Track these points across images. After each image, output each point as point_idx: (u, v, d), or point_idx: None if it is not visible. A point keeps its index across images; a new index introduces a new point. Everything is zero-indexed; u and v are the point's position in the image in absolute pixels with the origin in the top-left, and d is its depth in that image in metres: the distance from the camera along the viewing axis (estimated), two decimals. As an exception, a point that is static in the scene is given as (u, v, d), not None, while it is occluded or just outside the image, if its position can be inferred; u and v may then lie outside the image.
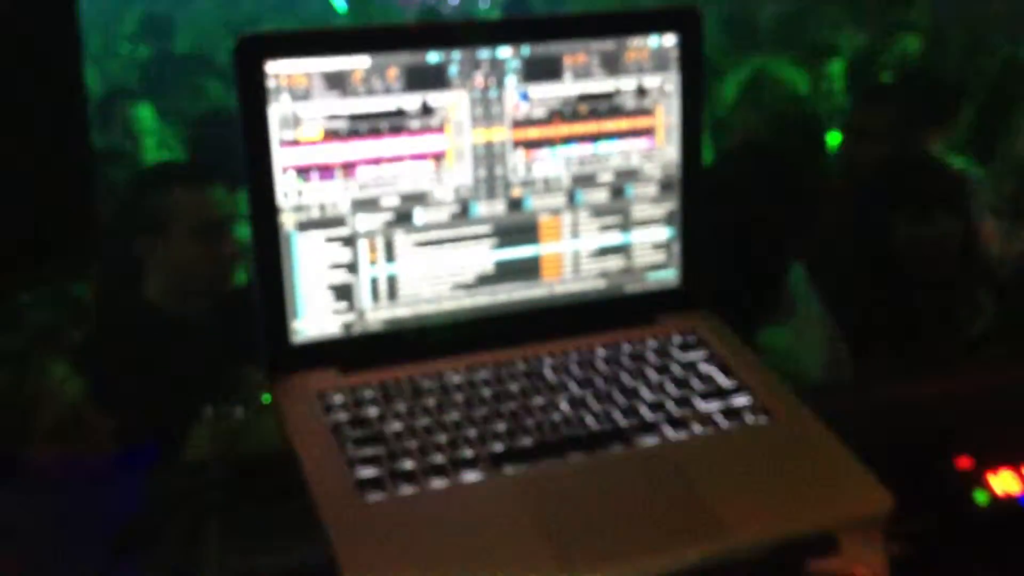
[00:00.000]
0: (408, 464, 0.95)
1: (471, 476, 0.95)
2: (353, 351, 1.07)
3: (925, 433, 1.37)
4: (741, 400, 1.05)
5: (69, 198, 0.90)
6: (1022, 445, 1.36)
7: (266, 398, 1.03)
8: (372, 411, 1.01)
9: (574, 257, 1.13)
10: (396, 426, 1.00)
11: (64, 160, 0.90)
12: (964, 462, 1.36)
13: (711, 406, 1.04)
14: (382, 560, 0.86)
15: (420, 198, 1.07)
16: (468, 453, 0.97)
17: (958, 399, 1.45)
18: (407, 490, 0.93)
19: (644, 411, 1.03)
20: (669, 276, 1.17)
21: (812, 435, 1.01)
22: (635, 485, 0.95)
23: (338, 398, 1.02)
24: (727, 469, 0.97)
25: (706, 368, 1.09)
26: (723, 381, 1.07)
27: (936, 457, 1.35)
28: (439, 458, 0.96)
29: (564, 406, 1.03)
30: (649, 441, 1.00)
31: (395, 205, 1.06)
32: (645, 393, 1.05)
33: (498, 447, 0.98)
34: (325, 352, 1.06)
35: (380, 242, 1.07)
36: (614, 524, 0.90)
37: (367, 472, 0.94)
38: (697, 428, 1.01)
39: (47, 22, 0.87)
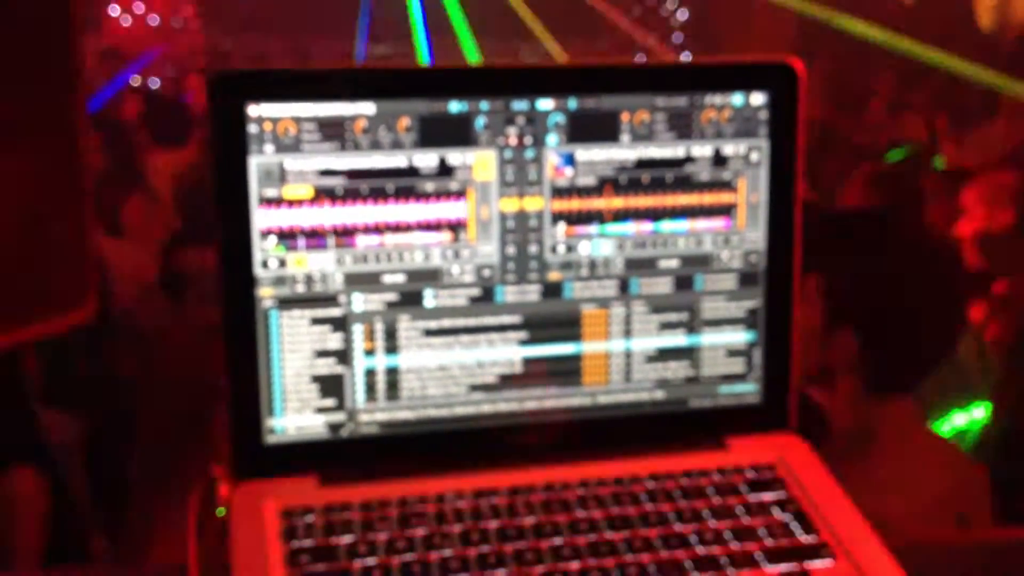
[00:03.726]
0: None
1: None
2: (339, 458, 0.87)
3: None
4: (821, 564, 0.80)
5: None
6: None
7: (220, 512, 0.84)
8: (344, 539, 0.81)
9: (625, 360, 0.91)
10: (369, 562, 0.79)
11: None
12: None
13: (780, 568, 0.80)
14: None
15: (433, 276, 0.87)
16: (457, 601, 0.75)
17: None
18: None
19: (700, 552, 0.79)
20: (747, 390, 0.94)
21: None
22: None
23: (307, 519, 0.82)
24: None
25: (781, 515, 0.85)
26: (801, 534, 0.83)
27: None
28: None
29: (586, 554, 0.80)
30: (694, 604, 0.76)
31: (401, 283, 0.87)
32: (696, 544, 0.82)
33: (495, 595, 0.76)
34: (304, 457, 0.87)
35: (380, 327, 0.87)
36: None
37: None
38: (758, 595, 0.77)
39: None
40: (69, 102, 0.81)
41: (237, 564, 0.78)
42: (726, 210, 0.91)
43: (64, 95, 0.80)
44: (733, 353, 0.93)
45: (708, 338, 0.93)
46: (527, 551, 0.80)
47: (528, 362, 0.90)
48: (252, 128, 0.83)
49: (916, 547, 0.90)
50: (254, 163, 0.83)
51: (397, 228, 0.86)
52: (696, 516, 0.84)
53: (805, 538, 0.83)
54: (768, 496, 0.87)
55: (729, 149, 0.90)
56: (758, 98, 0.90)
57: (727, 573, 0.79)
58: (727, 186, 0.91)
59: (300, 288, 0.85)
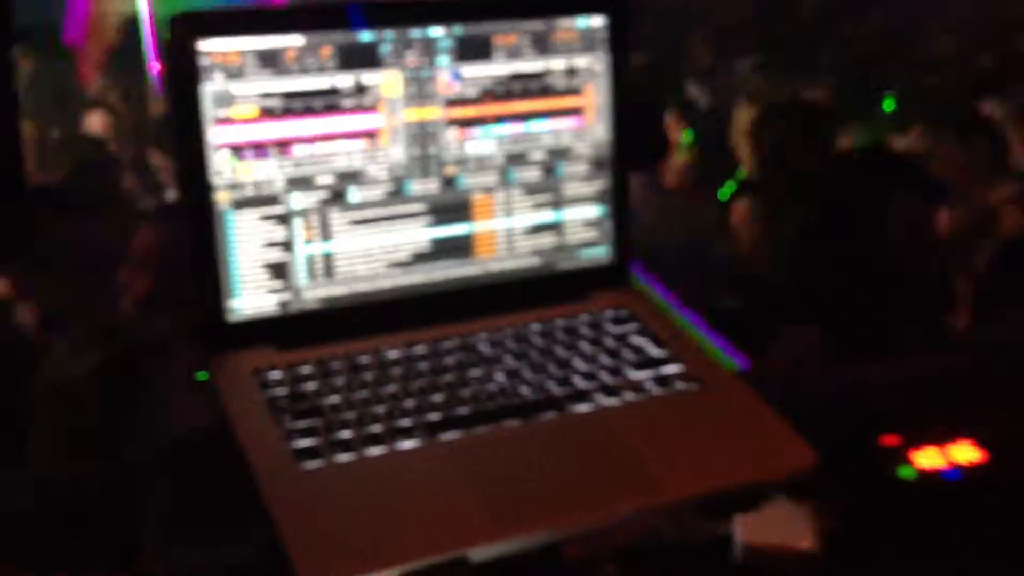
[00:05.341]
0: (345, 434, 0.96)
1: (408, 444, 0.96)
2: (290, 329, 1.08)
3: (858, 414, 1.41)
4: (671, 369, 1.07)
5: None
6: (946, 425, 1.40)
7: (202, 375, 1.03)
8: (309, 386, 1.02)
9: (507, 235, 1.15)
10: (333, 399, 1.01)
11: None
12: (891, 440, 1.39)
13: (642, 375, 1.06)
14: (320, 522, 0.87)
15: (355, 176, 1.08)
16: (405, 422, 0.98)
17: (890, 383, 1.49)
18: (345, 458, 0.94)
19: (577, 381, 1.05)
20: (601, 253, 1.19)
21: (739, 399, 1.04)
22: (569, 448, 0.97)
23: (275, 374, 1.03)
24: (658, 431, 0.99)
25: (638, 340, 1.11)
26: (654, 352, 1.10)
27: (865, 435, 1.39)
28: (376, 428, 0.97)
29: (499, 377, 1.05)
30: (582, 408, 1.02)
31: (330, 183, 1.08)
32: (578, 364, 1.07)
33: (435, 416, 0.99)
34: (261, 330, 1.07)
35: (316, 220, 1.08)
36: (549, 484, 0.92)
37: (304, 442, 0.95)
38: (629, 395, 1.03)
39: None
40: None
41: (231, 412, 0.99)
42: (578, 111, 1.16)
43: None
44: (590, 225, 1.19)
45: (570, 214, 1.18)
46: (455, 382, 1.04)
47: (433, 241, 1.12)
48: (204, 61, 1.01)
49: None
50: (207, 90, 1.02)
51: (325, 138, 1.07)
52: (575, 345, 1.10)
53: (659, 353, 1.09)
54: (626, 328, 1.13)
55: (578, 62, 1.15)
56: (598, 20, 1.15)
57: (605, 380, 1.05)
58: (577, 92, 1.16)
59: (249, 192, 1.05)
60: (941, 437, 1.37)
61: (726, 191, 2.92)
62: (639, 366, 1.07)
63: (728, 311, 2.53)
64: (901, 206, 2.50)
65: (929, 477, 1.34)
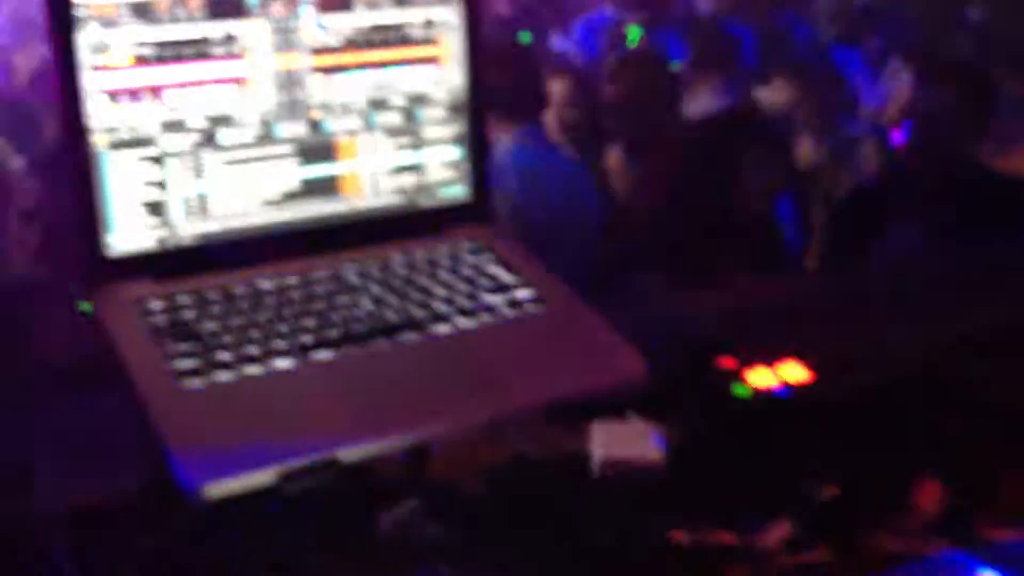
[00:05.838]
0: (224, 356, 1.05)
1: (283, 363, 1.05)
2: (168, 263, 1.15)
3: (697, 337, 1.54)
4: (523, 294, 1.19)
5: None
6: (777, 347, 1.55)
7: (85, 306, 1.11)
8: (187, 314, 1.10)
9: (371, 175, 1.24)
10: (211, 325, 1.09)
11: None
12: (727, 362, 1.53)
13: (496, 299, 1.17)
14: (201, 434, 0.96)
15: (225, 120, 1.16)
16: (280, 345, 1.07)
17: (726, 309, 1.63)
18: (223, 377, 1.03)
19: (437, 305, 1.15)
20: (460, 192, 1.30)
21: (583, 319, 1.16)
22: (430, 364, 1.07)
23: (155, 304, 1.11)
24: (510, 348, 1.10)
25: (493, 269, 1.22)
26: (507, 279, 1.21)
27: (704, 357, 1.52)
28: (253, 350, 1.06)
29: (366, 303, 1.14)
30: (442, 329, 1.12)
31: (202, 127, 1.15)
32: (438, 291, 1.17)
33: (307, 339, 1.08)
34: (141, 264, 1.14)
35: (189, 162, 1.15)
36: (411, 394, 1.03)
37: (185, 364, 1.03)
38: (484, 317, 1.14)
39: None
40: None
41: (114, 339, 1.06)
42: (435, 60, 1.25)
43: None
44: (448, 165, 1.29)
45: (429, 155, 1.27)
46: (325, 308, 1.13)
47: (302, 181, 1.21)
48: (80, 11, 1.08)
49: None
50: (83, 38, 1.08)
51: (196, 84, 1.14)
52: (435, 274, 1.20)
53: (511, 279, 1.21)
54: (482, 258, 1.24)
55: (434, 13, 1.24)
56: (451, -25, 1.24)
57: (462, 304, 1.16)
58: (433, 42, 1.25)
59: (125, 134, 1.12)
60: (773, 358, 1.51)
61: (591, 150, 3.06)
62: (493, 291, 1.18)
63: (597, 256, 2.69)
64: (758, 156, 2.68)
65: (762, 395, 1.49)
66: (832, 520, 1.27)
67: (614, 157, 2.97)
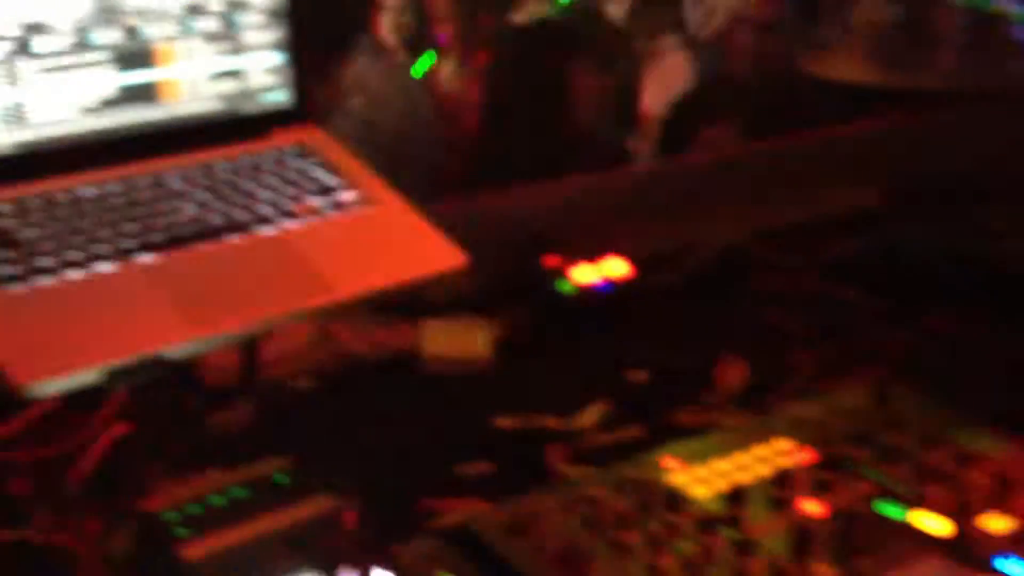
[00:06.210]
0: (45, 262, 1.06)
1: (106, 267, 1.07)
2: (-16, 172, 1.15)
3: (524, 235, 1.61)
4: (347, 195, 1.22)
5: None
6: (598, 244, 1.62)
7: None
8: (7, 222, 1.11)
9: (190, 81, 1.26)
10: (31, 233, 1.10)
11: None
12: (552, 259, 1.60)
13: (319, 200, 1.21)
14: (27, 335, 0.98)
15: (39, 28, 1.15)
16: (102, 249, 1.09)
17: (550, 207, 1.70)
18: (45, 281, 1.04)
19: (261, 208, 1.18)
20: (282, 97, 1.32)
21: (406, 218, 1.21)
22: (253, 264, 1.11)
23: (-27, 213, 1.11)
24: (334, 247, 1.14)
25: (317, 172, 1.25)
26: (331, 181, 1.24)
27: (530, 255, 1.59)
28: (74, 255, 1.08)
29: (190, 208, 1.17)
30: (266, 230, 1.15)
31: (16, 35, 1.14)
32: (262, 194, 1.20)
33: (130, 243, 1.10)
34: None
35: (3, 70, 1.14)
36: (235, 292, 1.06)
37: (5, 270, 1.05)
38: (309, 218, 1.18)
39: None
40: None
41: None
42: (251, -35, 1.27)
43: None
44: (269, 71, 1.30)
45: (249, 61, 1.29)
46: (148, 213, 1.15)
47: (120, 88, 1.22)
48: None
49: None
50: None
51: (6, -9, 1.13)
52: (259, 178, 1.23)
53: (334, 181, 1.24)
54: (306, 162, 1.27)
55: (248, -81, 1.25)
56: None
57: (286, 206, 1.19)
58: (249, -52, 1.26)
59: (-67, 42, 1.11)
60: (595, 254, 1.59)
61: (424, 62, 3.07)
62: (317, 193, 1.22)
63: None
64: (581, 68, 2.75)
65: (584, 290, 1.56)
66: (644, 400, 1.36)
67: (447, 64, 3.00)
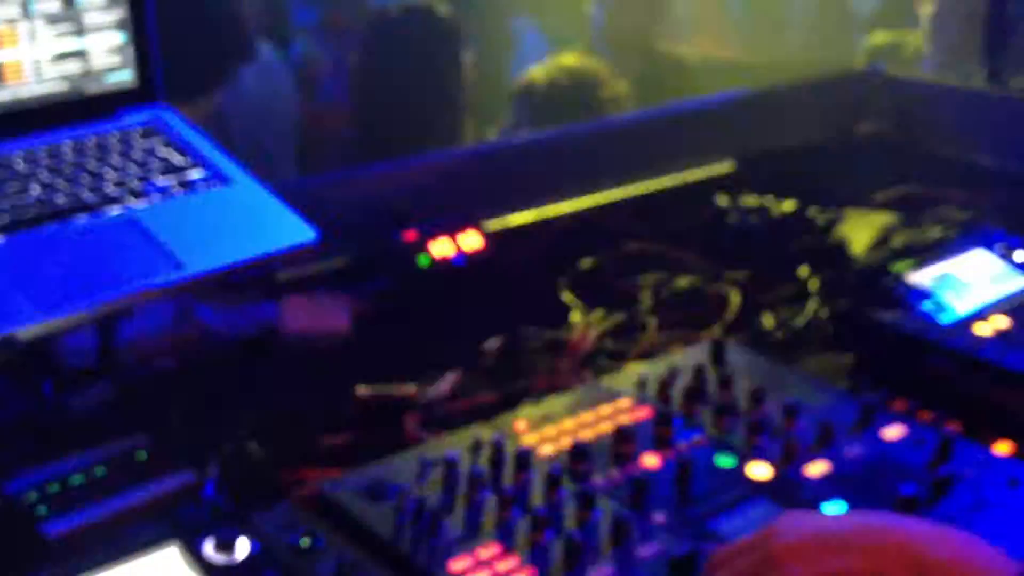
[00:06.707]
0: None
1: (-51, 252, 1.06)
2: None
3: (381, 211, 1.64)
4: (196, 174, 1.23)
5: None
6: (455, 219, 1.66)
7: None
8: None
9: (33, 63, 1.24)
10: None
11: None
12: (411, 235, 1.64)
13: (168, 180, 1.22)
14: None
15: None
16: (-58, 234, 1.08)
17: (409, 184, 1.74)
18: None
19: (108, 188, 1.18)
20: (127, 77, 1.32)
21: (255, 196, 1.22)
22: (104, 243, 1.11)
23: None
24: (184, 225, 1.15)
25: (164, 151, 1.26)
26: (179, 160, 1.25)
27: (391, 230, 1.62)
28: (-83, 240, 1.07)
29: (35, 189, 1.16)
30: (115, 210, 1.16)
31: None
32: (110, 174, 1.20)
33: (-26, 227, 1.10)
34: None
35: None
36: (84, 272, 1.06)
37: None
38: (156, 198, 1.19)
39: None
40: None
41: None
42: (91, -55, 1.26)
43: None
44: (113, 51, 1.30)
45: (92, 42, 1.28)
46: (19, 190, 1.14)
47: (-41, 70, 1.20)
48: None
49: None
50: None
51: None
52: (105, 158, 1.23)
53: (184, 161, 1.25)
54: (153, 142, 1.27)
55: (86, -102, 1.24)
56: None
57: (133, 186, 1.19)
58: (90, -73, 1.25)
59: None
60: (452, 228, 1.63)
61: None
62: (164, 172, 1.22)
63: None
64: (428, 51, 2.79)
65: (439, 263, 1.60)
66: (496, 368, 1.41)
67: (311, 49, 3.00)
